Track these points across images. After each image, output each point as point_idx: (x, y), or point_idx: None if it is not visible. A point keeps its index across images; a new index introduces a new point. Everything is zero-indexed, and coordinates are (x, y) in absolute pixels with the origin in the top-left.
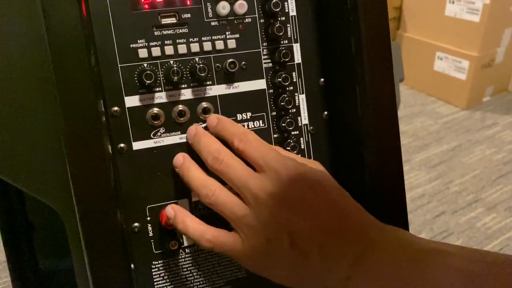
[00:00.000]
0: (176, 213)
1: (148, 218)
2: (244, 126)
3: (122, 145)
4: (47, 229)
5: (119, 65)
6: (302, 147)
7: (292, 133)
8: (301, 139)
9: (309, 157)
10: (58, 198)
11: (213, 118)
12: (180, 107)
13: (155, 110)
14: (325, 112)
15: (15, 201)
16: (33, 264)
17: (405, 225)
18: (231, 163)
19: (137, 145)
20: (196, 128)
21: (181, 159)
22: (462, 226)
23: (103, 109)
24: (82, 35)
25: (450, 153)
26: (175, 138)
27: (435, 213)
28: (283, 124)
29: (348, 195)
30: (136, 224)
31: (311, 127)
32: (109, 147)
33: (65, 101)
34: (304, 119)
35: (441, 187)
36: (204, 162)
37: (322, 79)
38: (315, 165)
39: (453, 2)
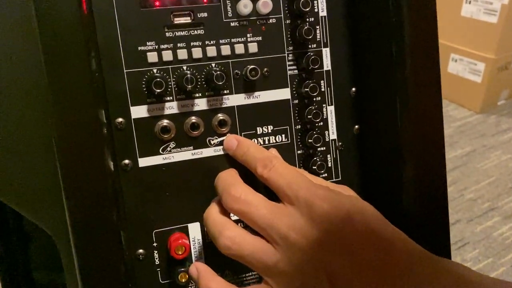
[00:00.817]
0: (200, 274)
1: (155, 244)
2: (265, 141)
3: (126, 161)
4: (44, 240)
5: (125, 71)
6: (329, 165)
7: (319, 149)
8: (328, 156)
9: (337, 177)
10: (52, 221)
11: (232, 140)
12: (193, 119)
13: (165, 122)
14: (356, 126)
15: (9, 209)
16: (28, 276)
17: (448, 256)
18: (250, 199)
19: (143, 162)
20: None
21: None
22: (478, 235)
23: (105, 120)
24: (81, 35)
25: (464, 158)
26: (187, 154)
27: (449, 221)
28: (309, 140)
29: (389, 224)
30: (140, 250)
31: (340, 143)
32: (111, 163)
33: (60, 110)
34: (332, 133)
35: (455, 194)
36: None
37: (353, 89)
38: (346, 192)
39: (469, 2)
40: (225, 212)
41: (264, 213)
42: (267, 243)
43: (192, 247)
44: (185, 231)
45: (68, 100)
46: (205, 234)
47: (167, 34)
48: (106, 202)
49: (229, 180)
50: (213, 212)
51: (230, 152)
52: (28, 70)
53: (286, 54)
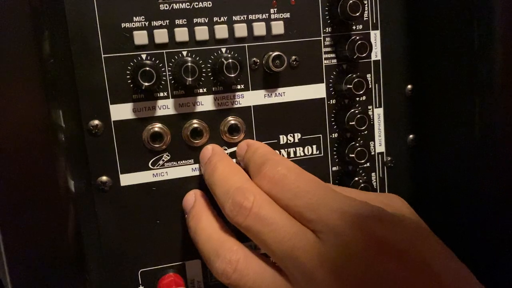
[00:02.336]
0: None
1: None
2: (289, 153)
3: (103, 178)
4: None
5: (102, 56)
6: (374, 186)
7: (361, 166)
8: (373, 175)
9: None
10: None
11: (243, 145)
12: (195, 123)
13: (157, 126)
14: (411, 136)
15: None
16: None
17: None
18: (266, 214)
19: (127, 179)
20: (212, 148)
21: (192, 200)
22: None
23: (62, 124)
24: (24, 5)
25: None
26: (186, 170)
27: None
28: (349, 154)
29: (453, 255)
30: None
31: (389, 158)
32: (72, 182)
33: None
34: (379, 144)
35: None
36: (221, 209)
37: (409, 86)
38: (396, 202)
39: None
40: (225, 224)
41: (283, 236)
42: (281, 275)
43: None
44: (181, 271)
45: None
46: (209, 274)
47: (162, 7)
48: (61, 236)
49: (234, 179)
50: (207, 223)
51: (240, 159)
52: None
53: (322, 38)
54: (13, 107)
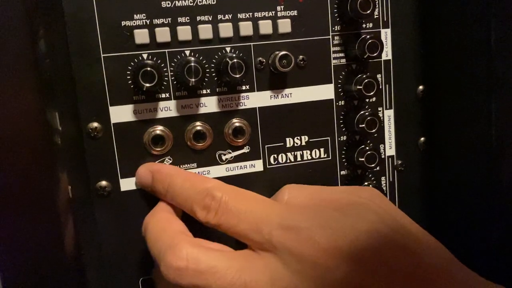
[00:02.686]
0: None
1: None
2: (296, 157)
3: (103, 183)
4: None
5: (102, 55)
6: (384, 190)
7: (371, 170)
8: (383, 179)
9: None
10: None
11: (144, 172)
12: (199, 125)
13: (159, 129)
14: (422, 139)
15: None
16: None
17: None
18: (204, 267)
19: (127, 184)
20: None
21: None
22: None
23: (59, 126)
24: (18, 6)
25: None
26: None
27: None
28: (359, 158)
29: (457, 262)
30: None
31: (400, 161)
32: (69, 188)
33: None
34: (389, 148)
35: None
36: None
37: (421, 87)
38: (364, 194)
39: None
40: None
41: (231, 278)
42: None
43: None
44: None
45: None
46: None
47: (164, 4)
48: (56, 242)
49: (161, 237)
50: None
51: (149, 190)
52: None
53: (330, 36)
54: (6, 109)
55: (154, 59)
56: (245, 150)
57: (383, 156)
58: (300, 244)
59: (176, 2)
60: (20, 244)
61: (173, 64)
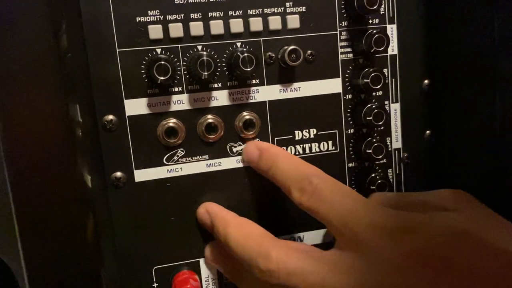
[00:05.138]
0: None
1: (155, 285)
2: (305, 149)
3: (118, 174)
4: None
5: (117, 50)
6: (391, 182)
7: (377, 162)
8: (390, 171)
9: None
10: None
11: (252, 149)
12: (210, 118)
13: (172, 121)
14: (428, 132)
15: None
16: None
17: None
18: (292, 267)
19: (141, 175)
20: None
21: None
22: None
23: (80, 119)
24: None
25: None
26: (201, 166)
27: None
28: (366, 150)
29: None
30: None
31: (406, 154)
32: (89, 178)
33: (6, 105)
34: (395, 141)
35: None
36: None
37: (426, 81)
38: (453, 197)
39: None
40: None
41: (316, 281)
42: None
43: None
44: (196, 268)
45: (19, 91)
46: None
47: (177, 1)
48: (77, 231)
49: (248, 244)
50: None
51: (253, 166)
52: None
53: (338, 32)
54: (32, 102)
55: (168, 53)
56: None
57: (389, 149)
58: (385, 244)
59: None
60: (42, 229)
61: (185, 59)
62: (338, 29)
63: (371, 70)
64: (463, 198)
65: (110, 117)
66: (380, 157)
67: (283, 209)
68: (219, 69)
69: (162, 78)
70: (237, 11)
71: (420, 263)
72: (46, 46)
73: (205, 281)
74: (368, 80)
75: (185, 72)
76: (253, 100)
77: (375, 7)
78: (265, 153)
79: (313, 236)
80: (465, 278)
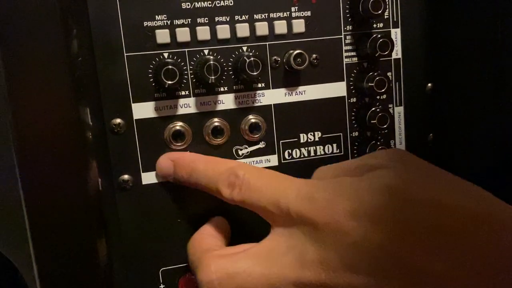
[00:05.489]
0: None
1: (162, 287)
2: (310, 152)
3: (125, 177)
4: None
5: (125, 55)
6: None
7: None
8: None
9: None
10: (19, 254)
11: (165, 161)
12: (216, 121)
13: (178, 125)
14: (431, 135)
15: None
16: None
17: None
18: (232, 271)
19: (148, 178)
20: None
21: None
22: None
23: (90, 122)
24: (54, 4)
25: None
26: None
27: None
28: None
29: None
30: None
31: None
32: (100, 180)
33: (19, 108)
34: (399, 143)
35: None
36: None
37: (430, 84)
38: (385, 155)
39: None
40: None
41: (257, 273)
42: None
43: None
44: None
45: (31, 94)
46: None
47: (184, 6)
48: (89, 233)
49: (192, 257)
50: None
51: (170, 179)
52: None
53: (343, 36)
54: (44, 105)
55: (175, 58)
56: (261, 145)
57: None
58: (316, 213)
59: (196, 3)
60: (53, 230)
61: (192, 63)
62: (342, 33)
63: (375, 74)
64: (396, 155)
65: (118, 120)
66: None
67: None
68: (225, 73)
69: (169, 82)
70: (243, 16)
71: (350, 223)
72: (59, 51)
73: None
74: (372, 84)
75: (192, 76)
76: (258, 104)
77: (379, 11)
78: (180, 162)
79: None
80: (396, 235)
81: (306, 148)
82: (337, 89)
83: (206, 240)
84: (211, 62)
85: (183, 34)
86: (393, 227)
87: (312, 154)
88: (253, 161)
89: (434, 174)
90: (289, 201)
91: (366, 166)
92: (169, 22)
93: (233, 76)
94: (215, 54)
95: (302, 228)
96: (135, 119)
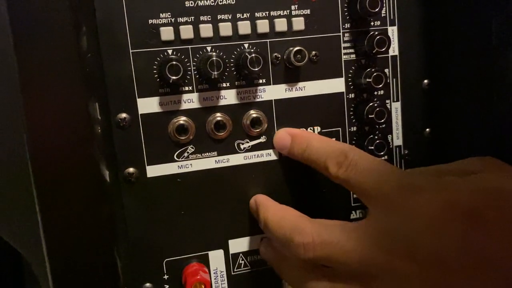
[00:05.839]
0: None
1: (166, 277)
2: None
3: (131, 170)
4: None
5: (130, 51)
6: None
7: (379, 158)
8: None
9: None
10: (29, 244)
11: (284, 136)
12: (219, 116)
13: (182, 119)
14: (428, 129)
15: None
16: None
17: None
18: (326, 238)
19: (153, 171)
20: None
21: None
22: None
23: (99, 116)
24: (66, 3)
25: None
26: (209, 162)
27: None
28: (369, 146)
29: None
30: (147, 285)
31: (406, 151)
32: (107, 173)
33: (32, 101)
34: (396, 138)
35: None
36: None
37: (426, 81)
38: (482, 163)
39: None
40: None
41: (350, 247)
42: (365, 284)
43: (214, 283)
44: (205, 260)
45: (44, 88)
46: (231, 264)
47: (187, 4)
48: (97, 223)
49: (284, 224)
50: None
51: (285, 152)
52: None
53: (341, 33)
54: (57, 101)
55: (179, 54)
56: (262, 139)
57: (391, 146)
58: (415, 201)
59: (199, 2)
60: (64, 222)
61: (195, 59)
62: (341, 31)
63: (373, 70)
64: (492, 162)
65: (124, 115)
66: (381, 153)
67: (291, 203)
68: (227, 69)
69: (173, 77)
70: (244, 14)
71: (451, 217)
72: (70, 47)
73: (214, 273)
74: (370, 80)
75: (195, 72)
76: (260, 99)
77: (376, 9)
78: (298, 138)
79: None
80: (497, 236)
81: None
82: (336, 85)
83: (289, 208)
84: (214, 59)
85: (186, 32)
86: (496, 229)
87: None
88: (254, 155)
89: None
90: (391, 188)
91: (462, 170)
92: (173, 20)
93: (235, 72)
94: (217, 51)
95: (399, 216)
96: (140, 114)
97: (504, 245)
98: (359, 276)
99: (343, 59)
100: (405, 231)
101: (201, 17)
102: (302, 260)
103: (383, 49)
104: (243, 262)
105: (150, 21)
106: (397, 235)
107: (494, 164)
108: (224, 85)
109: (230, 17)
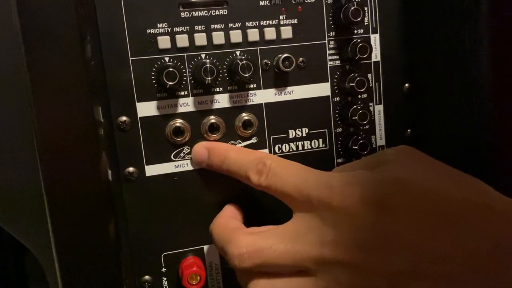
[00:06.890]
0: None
1: (164, 270)
2: (298, 146)
3: (131, 169)
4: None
5: (130, 59)
6: None
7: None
8: None
9: None
10: (37, 239)
11: (201, 149)
12: (213, 119)
13: (178, 122)
14: (409, 130)
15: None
16: None
17: None
18: (258, 246)
19: (151, 170)
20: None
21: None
22: None
23: (102, 119)
24: (72, 14)
25: None
26: None
27: None
28: (353, 146)
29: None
30: (146, 277)
31: None
32: (110, 172)
33: (42, 107)
34: (380, 138)
35: None
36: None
37: (407, 84)
38: (394, 151)
39: None
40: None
41: (282, 249)
42: (302, 277)
43: (208, 275)
44: (201, 254)
45: (53, 93)
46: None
47: (183, 15)
48: (101, 219)
49: (221, 235)
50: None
51: (204, 165)
52: (7, 62)
53: (326, 41)
54: (64, 106)
55: (175, 61)
56: (253, 140)
57: (374, 146)
58: (333, 199)
59: (194, 12)
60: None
61: (190, 66)
62: (326, 38)
63: (356, 75)
64: (404, 151)
65: (124, 118)
66: (365, 153)
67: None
68: (220, 75)
69: (170, 83)
70: (236, 23)
71: (363, 208)
72: (76, 56)
73: (209, 266)
74: (353, 84)
75: (191, 77)
76: (251, 103)
77: (359, 18)
78: (215, 150)
79: None
80: (401, 219)
81: (295, 143)
82: (322, 89)
83: (231, 221)
84: (208, 65)
85: (182, 40)
86: (400, 213)
87: (300, 148)
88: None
89: (438, 168)
90: (310, 188)
91: (378, 161)
92: (169, 30)
93: (227, 78)
94: (211, 58)
95: (321, 212)
96: (139, 117)
97: (408, 223)
98: (299, 272)
99: (328, 65)
100: (328, 225)
101: (195, 26)
102: (240, 270)
103: (365, 56)
104: None
105: (148, 31)
106: (322, 229)
107: (403, 152)
108: (218, 89)
109: (222, 27)
